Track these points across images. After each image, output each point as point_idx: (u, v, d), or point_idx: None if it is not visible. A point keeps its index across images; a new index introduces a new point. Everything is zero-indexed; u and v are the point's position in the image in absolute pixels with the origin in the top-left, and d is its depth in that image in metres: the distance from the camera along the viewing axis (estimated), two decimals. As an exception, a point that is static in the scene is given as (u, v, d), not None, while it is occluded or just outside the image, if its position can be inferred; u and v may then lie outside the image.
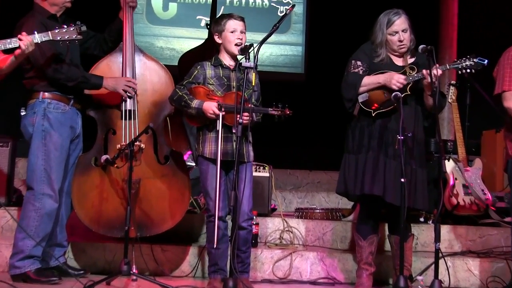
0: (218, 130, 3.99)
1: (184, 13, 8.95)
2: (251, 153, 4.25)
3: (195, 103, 4.11)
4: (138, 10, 8.33)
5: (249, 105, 4.05)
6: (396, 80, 4.19)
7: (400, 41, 4.28)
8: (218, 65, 4.25)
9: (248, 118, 4.04)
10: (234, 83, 4.21)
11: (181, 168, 4.56)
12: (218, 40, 4.30)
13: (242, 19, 4.28)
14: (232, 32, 4.22)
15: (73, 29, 3.91)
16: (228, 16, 4.29)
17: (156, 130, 4.52)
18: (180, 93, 4.17)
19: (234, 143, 4.07)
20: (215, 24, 4.32)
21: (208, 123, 4.14)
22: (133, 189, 4.30)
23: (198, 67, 4.26)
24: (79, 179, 4.43)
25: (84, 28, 3.95)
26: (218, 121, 4.00)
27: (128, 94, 4.45)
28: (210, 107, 4.06)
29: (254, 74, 4.00)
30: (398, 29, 4.27)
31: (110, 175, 4.45)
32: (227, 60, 4.27)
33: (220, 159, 3.98)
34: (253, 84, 4.04)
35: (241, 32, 4.23)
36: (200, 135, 4.24)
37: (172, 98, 4.23)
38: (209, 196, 4.13)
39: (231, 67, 4.25)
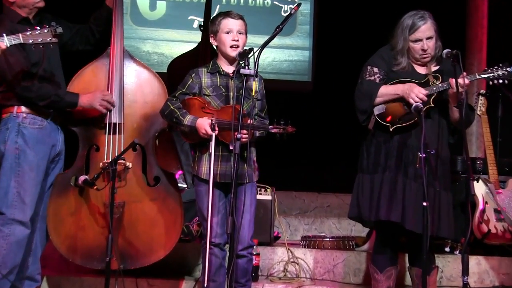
0: (211, 152, 3.98)
1: (174, 13, 8.99)
2: (254, 173, 4.27)
3: (187, 119, 4.14)
4: (121, 9, 8.39)
5: (249, 121, 4.06)
6: (416, 94, 4.21)
7: (424, 50, 4.32)
8: (215, 72, 4.28)
9: (247, 136, 4.04)
10: (233, 93, 4.24)
11: (173, 191, 4.60)
12: (213, 42, 4.35)
13: (241, 18, 4.31)
14: (227, 32, 4.25)
15: (47, 31, 3.92)
16: (224, 14, 4.33)
17: (146, 147, 4.57)
18: (172, 107, 4.21)
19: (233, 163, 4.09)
20: (211, 23, 4.37)
21: (204, 140, 4.15)
22: (116, 213, 4.34)
23: (193, 75, 4.30)
24: (56, 202, 4.47)
25: (60, 30, 3.97)
26: (211, 142, 4.01)
27: (106, 110, 4.47)
28: (203, 125, 4.07)
29: (255, 82, 4.04)
30: (422, 36, 4.30)
31: (91, 197, 4.49)
32: (225, 66, 4.30)
33: (216, 181, 4.04)
34: (253, 94, 4.07)
35: (239, 32, 4.26)
36: (196, 153, 4.28)
37: (163, 113, 4.27)
38: (205, 220, 4.12)
39: (230, 74, 4.27)
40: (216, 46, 4.35)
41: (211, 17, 4.55)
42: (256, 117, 4.27)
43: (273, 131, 4.16)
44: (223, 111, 4.16)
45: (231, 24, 4.26)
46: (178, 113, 4.17)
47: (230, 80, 4.25)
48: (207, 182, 4.11)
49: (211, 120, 4.06)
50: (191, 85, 4.27)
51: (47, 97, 4.31)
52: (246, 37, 4.32)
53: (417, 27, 4.29)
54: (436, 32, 4.34)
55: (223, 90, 4.24)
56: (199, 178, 4.22)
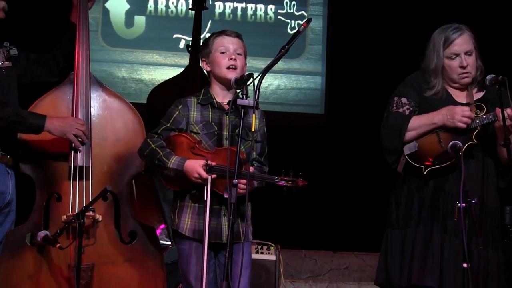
0: (206, 200, 3.96)
1: (156, 31, 9.02)
2: (249, 231, 4.25)
3: (173, 162, 4.10)
4: (91, 27, 8.41)
5: (248, 168, 4.01)
6: (461, 114, 4.23)
7: (462, 67, 4.34)
8: (207, 103, 4.26)
9: (245, 187, 3.95)
10: (228, 132, 4.21)
11: (153, 249, 4.58)
12: (205, 68, 4.36)
13: (238, 36, 4.33)
14: (222, 52, 4.26)
15: (-1, 53, 3.95)
16: (218, 32, 4.35)
17: (119, 196, 4.55)
18: (153, 145, 4.18)
19: (223, 219, 4.11)
20: (203, 46, 4.39)
21: (191, 187, 4.13)
22: (83, 279, 4.31)
23: (180, 106, 4.28)
24: (8, 264, 4.43)
25: (14, 51, 3.98)
26: (205, 187, 3.99)
27: (80, 141, 4.42)
28: (195, 168, 4.03)
29: (254, 116, 3.99)
30: (459, 50, 4.33)
31: (51, 259, 4.45)
32: (219, 96, 4.28)
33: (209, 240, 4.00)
34: (253, 129, 4.04)
35: (236, 52, 4.26)
36: (177, 202, 4.26)
37: (142, 153, 4.25)
38: (190, 286, 4.12)
39: (225, 107, 4.23)
40: (208, 73, 4.35)
41: (202, 38, 4.56)
42: (254, 162, 4.25)
43: (279, 183, 4.12)
44: (217, 154, 4.11)
45: (227, 42, 4.28)
46: (161, 153, 4.14)
47: (225, 116, 4.24)
48: (191, 239, 4.13)
49: (206, 160, 4.02)
50: (177, 119, 4.25)
51: (5, 117, 4.27)
52: (245, 61, 4.34)
53: (452, 40, 4.33)
54: (476, 48, 4.38)
55: (215, 127, 4.22)
56: (181, 235, 4.20)
